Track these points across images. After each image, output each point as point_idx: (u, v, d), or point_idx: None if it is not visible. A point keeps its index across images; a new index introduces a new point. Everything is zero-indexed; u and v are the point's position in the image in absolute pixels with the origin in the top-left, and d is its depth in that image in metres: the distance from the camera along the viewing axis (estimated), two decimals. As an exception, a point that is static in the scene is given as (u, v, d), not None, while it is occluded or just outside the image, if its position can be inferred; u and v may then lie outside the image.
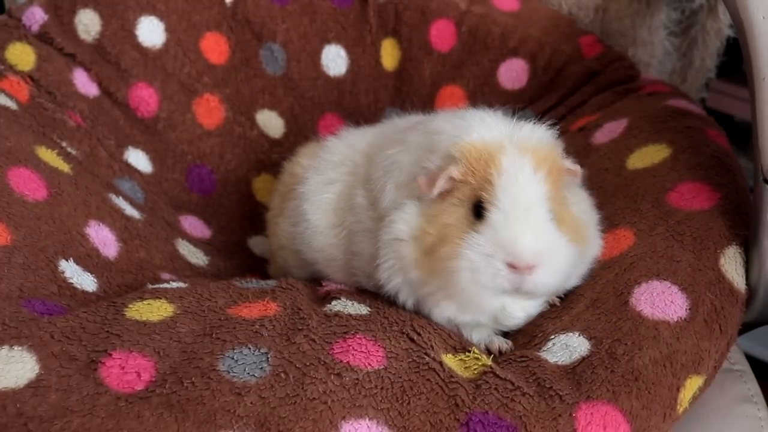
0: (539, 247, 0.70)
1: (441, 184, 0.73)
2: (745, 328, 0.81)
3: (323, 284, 0.86)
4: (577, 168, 0.78)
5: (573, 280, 0.79)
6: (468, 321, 0.77)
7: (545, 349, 0.74)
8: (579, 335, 0.74)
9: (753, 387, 0.84)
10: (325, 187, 0.88)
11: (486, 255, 0.70)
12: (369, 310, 0.78)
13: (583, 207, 0.80)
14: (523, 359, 0.72)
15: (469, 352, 0.74)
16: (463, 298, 0.73)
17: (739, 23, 0.76)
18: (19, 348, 0.66)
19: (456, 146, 0.74)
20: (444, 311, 0.76)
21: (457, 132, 0.76)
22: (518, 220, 0.70)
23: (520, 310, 0.76)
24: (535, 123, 0.77)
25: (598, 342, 0.73)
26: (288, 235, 0.93)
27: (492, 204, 0.71)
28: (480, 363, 0.72)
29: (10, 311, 0.71)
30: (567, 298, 0.81)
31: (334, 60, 1.20)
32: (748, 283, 0.79)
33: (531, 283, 0.71)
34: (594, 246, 0.80)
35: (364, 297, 0.82)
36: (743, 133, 1.00)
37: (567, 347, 0.73)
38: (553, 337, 0.75)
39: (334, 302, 0.79)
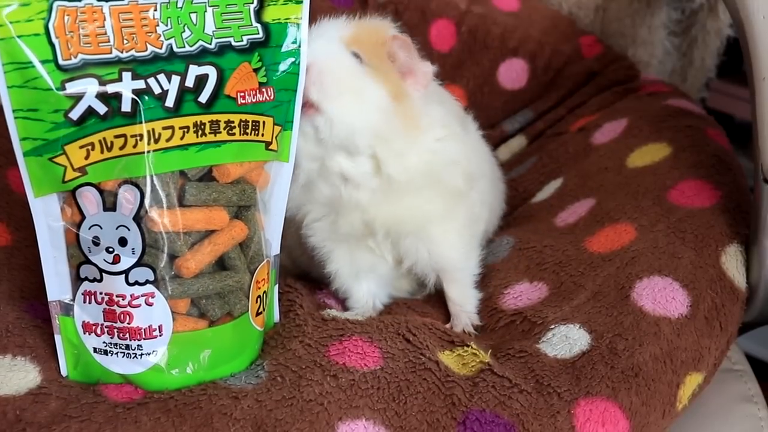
0: (317, 53, 0.72)
1: None
2: (745, 327, 0.81)
3: (322, 289, 0.86)
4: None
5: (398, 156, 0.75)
6: None
7: (545, 340, 0.74)
8: (579, 327, 0.74)
9: (753, 387, 0.84)
10: None
11: None
12: (364, 316, 0.79)
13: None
14: (521, 354, 0.72)
15: (468, 347, 0.73)
16: None
17: (739, 23, 0.76)
18: (23, 358, 0.67)
19: None
20: None
21: None
22: (311, 35, 0.74)
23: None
24: None
25: (598, 336, 0.73)
26: None
27: None
28: (478, 360, 0.71)
29: (13, 317, 0.71)
30: (566, 288, 0.80)
31: (334, 60, 1.20)
32: (748, 282, 0.79)
33: (310, 84, 0.71)
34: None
35: None
36: (743, 133, 1.00)
37: (567, 339, 0.73)
38: (553, 327, 0.75)
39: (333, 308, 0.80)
